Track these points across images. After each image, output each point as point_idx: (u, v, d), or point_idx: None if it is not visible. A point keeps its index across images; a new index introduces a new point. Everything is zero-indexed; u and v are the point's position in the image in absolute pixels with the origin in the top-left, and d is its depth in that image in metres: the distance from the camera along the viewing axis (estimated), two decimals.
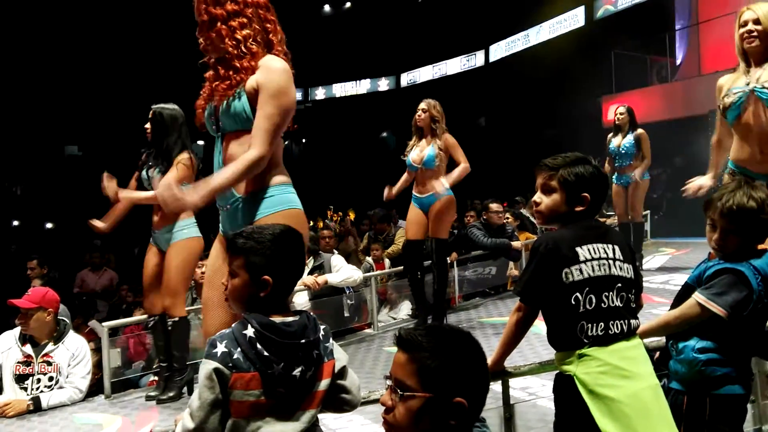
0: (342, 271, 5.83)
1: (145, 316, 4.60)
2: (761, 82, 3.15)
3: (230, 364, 1.74)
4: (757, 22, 3.15)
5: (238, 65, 2.38)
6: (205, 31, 2.44)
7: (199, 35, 2.46)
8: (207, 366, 1.75)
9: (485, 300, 6.91)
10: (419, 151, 5.39)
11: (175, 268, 4.18)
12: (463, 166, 5.30)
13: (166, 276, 4.22)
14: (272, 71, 2.35)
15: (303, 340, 1.81)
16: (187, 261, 4.22)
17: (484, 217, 7.16)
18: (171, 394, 4.26)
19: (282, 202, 2.39)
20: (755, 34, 3.16)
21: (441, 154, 5.29)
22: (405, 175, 5.60)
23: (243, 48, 2.38)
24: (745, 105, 3.21)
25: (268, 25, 2.47)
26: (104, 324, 4.76)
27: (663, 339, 2.34)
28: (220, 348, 1.77)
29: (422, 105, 5.45)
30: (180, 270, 4.19)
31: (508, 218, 7.79)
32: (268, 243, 1.84)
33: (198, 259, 4.39)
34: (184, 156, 4.13)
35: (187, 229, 4.21)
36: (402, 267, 6.66)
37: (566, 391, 1.99)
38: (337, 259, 5.98)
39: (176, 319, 4.22)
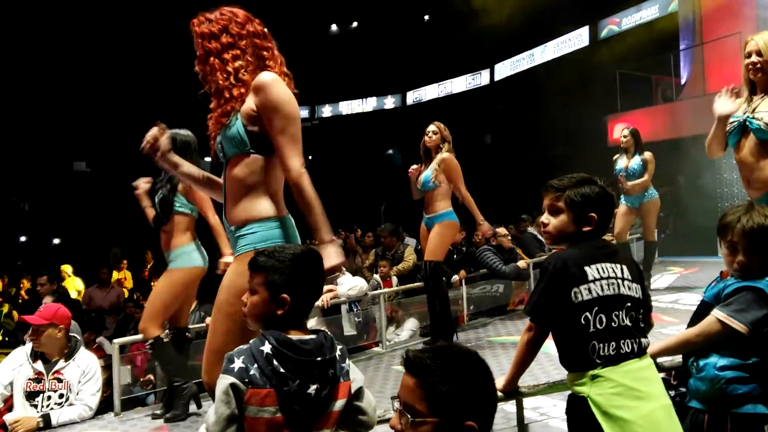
0: (347, 282, 5.85)
1: None
2: (756, 112, 3.22)
3: (246, 380, 1.77)
4: (759, 53, 3.25)
5: (228, 95, 2.41)
6: (201, 64, 2.50)
7: (197, 66, 2.53)
8: (224, 381, 1.78)
9: (493, 319, 6.91)
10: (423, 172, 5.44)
11: (156, 293, 4.33)
12: (467, 199, 5.40)
13: (149, 298, 4.39)
14: (264, 87, 2.35)
15: (319, 358, 1.83)
16: (170, 287, 4.29)
17: (494, 242, 7.23)
18: (177, 411, 4.26)
19: (263, 239, 2.34)
20: (759, 66, 3.25)
21: (437, 171, 5.32)
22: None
23: (233, 79, 2.42)
24: (740, 134, 3.30)
25: (265, 53, 2.49)
26: (114, 341, 4.78)
27: (679, 358, 2.35)
28: (237, 363, 1.80)
29: (431, 127, 5.48)
30: (160, 295, 4.30)
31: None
32: (289, 262, 1.88)
33: (184, 287, 4.34)
34: None
35: (177, 259, 4.30)
36: (409, 285, 6.68)
37: (580, 412, 2.00)
38: (345, 278, 6.01)
39: (151, 340, 4.29)
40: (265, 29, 2.54)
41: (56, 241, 19.61)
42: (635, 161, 6.83)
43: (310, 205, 2.32)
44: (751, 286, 2.16)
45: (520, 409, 2.44)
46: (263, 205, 2.39)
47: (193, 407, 4.35)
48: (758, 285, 2.16)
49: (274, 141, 2.36)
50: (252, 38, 2.48)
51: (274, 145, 2.37)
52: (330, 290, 5.62)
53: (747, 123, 3.24)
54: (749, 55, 3.27)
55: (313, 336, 1.88)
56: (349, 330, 6.03)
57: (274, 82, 2.37)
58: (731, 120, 3.33)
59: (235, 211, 2.42)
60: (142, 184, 4.45)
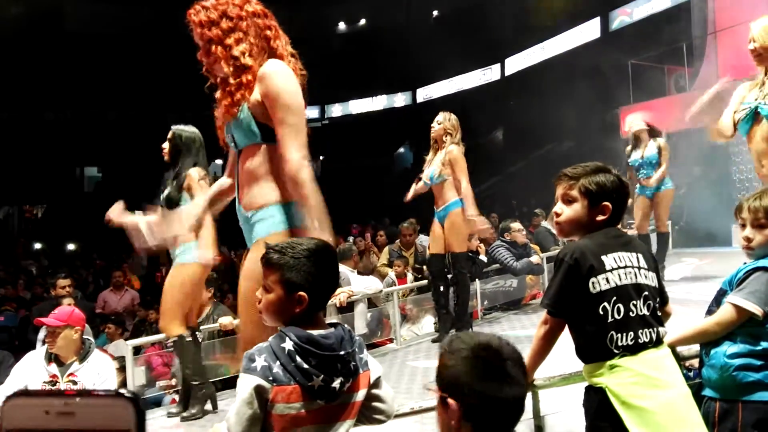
0: (358, 280, 5.84)
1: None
2: (767, 98, 3.22)
3: (270, 378, 1.75)
4: (753, 40, 3.29)
5: (235, 84, 2.34)
6: (204, 55, 2.41)
7: (200, 58, 2.44)
8: (247, 381, 1.75)
9: (507, 313, 6.87)
10: (430, 166, 5.41)
11: (169, 290, 4.30)
12: (465, 192, 5.27)
13: (162, 296, 4.34)
14: (267, 77, 2.29)
15: (342, 352, 1.81)
16: (181, 284, 4.28)
17: (508, 237, 7.16)
18: (194, 410, 4.28)
19: (277, 223, 2.31)
20: (757, 52, 3.29)
21: (441, 168, 5.29)
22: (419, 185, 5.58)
23: (238, 64, 2.33)
24: (752, 120, 3.29)
25: (268, 32, 2.41)
26: (128, 342, 4.80)
27: (697, 347, 2.32)
28: (260, 362, 1.76)
29: (438, 117, 5.46)
30: (173, 292, 4.28)
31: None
32: (304, 259, 1.82)
33: (195, 283, 4.36)
34: (191, 170, 4.25)
35: (185, 254, 4.27)
36: (422, 281, 6.65)
37: (598, 402, 1.98)
38: (353, 278, 6.00)
39: (175, 338, 4.29)
40: (265, 8, 2.44)
41: (71, 246, 19.73)
42: (651, 149, 6.67)
43: (305, 200, 2.23)
44: (762, 267, 2.14)
45: (535, 401, 2.41)
46: (279, 191, 2.34)
47: (208, 407, 4.35)
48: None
49: (276, 130, 2.30)
50: (253, 18, 2.39)
51: (276, 134, 2.31)
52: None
53: (760, 111, 3.23)
54: (749, 42, 3.32)
55: (332, 330, 1.86)
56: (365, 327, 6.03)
57: (278, 72, 2.30)
58: (743, 107, 3.31)
59: (249, 197, 2.38)
60: (114, 213, 3.72)
